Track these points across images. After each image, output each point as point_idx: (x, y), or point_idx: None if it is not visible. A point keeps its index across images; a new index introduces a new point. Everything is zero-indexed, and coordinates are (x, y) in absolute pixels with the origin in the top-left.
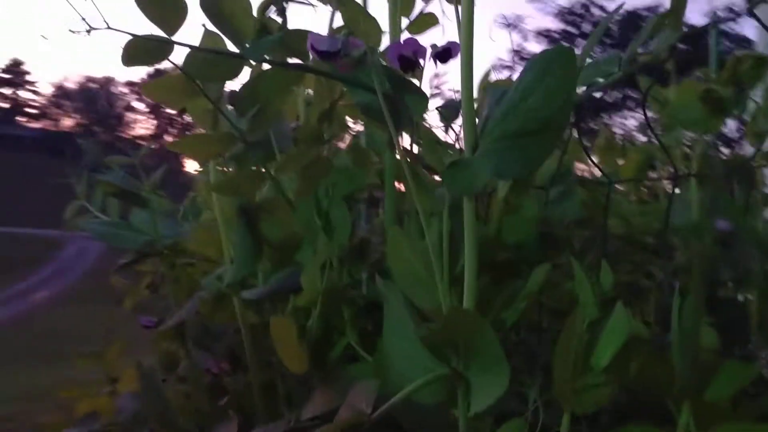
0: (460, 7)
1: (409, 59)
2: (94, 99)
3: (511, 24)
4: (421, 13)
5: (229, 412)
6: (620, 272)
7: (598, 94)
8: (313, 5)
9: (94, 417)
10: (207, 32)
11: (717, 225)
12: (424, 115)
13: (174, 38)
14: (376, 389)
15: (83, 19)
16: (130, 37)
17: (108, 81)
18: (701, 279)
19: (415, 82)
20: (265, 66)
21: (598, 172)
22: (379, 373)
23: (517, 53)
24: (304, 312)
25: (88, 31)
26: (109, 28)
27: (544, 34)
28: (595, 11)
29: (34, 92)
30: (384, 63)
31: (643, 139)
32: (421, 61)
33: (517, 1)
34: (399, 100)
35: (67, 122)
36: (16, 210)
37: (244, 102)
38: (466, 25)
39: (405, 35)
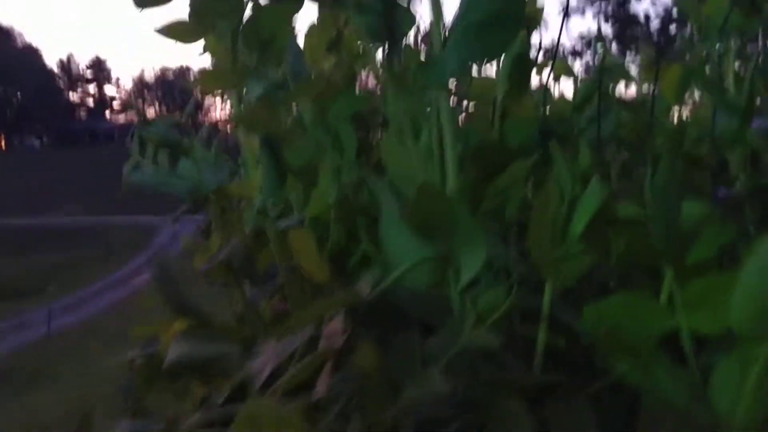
0: None
1: None
2: (171, 88)
3: None
4: None
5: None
6: None
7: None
8: None
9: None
10: None
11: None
12: None
13: None
14: (374, 278)
15: None
16: None
17: (183, 70)
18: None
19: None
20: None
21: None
22: (380, 266)
23: None
24: (323, 224)
25: None
26: None
27: None
28: None
29: (117, 87)
30: None
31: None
32: None
33: None
34: (391, 18)
35: (150, 113)
36: (113, 199)
37: (249, 37)
38: None
39: None
